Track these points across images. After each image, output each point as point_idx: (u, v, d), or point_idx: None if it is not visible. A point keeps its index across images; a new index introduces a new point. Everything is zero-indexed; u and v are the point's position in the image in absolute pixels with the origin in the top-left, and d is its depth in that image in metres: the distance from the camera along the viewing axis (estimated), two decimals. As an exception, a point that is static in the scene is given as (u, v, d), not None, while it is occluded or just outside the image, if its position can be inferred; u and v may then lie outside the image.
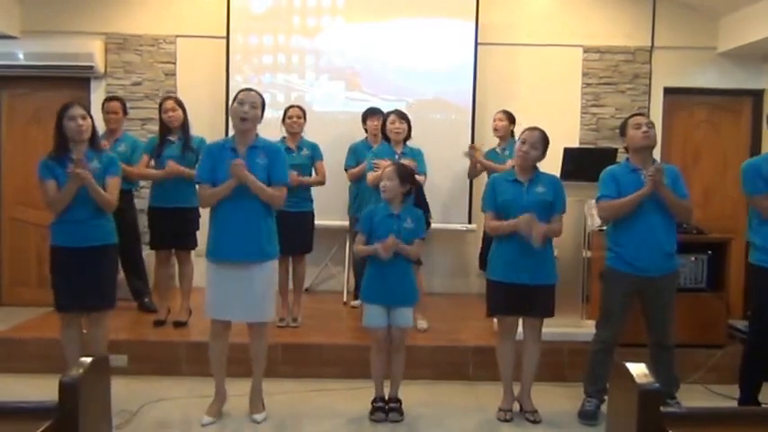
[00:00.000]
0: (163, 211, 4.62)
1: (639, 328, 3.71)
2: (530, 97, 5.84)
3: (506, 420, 3.69)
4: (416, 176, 4.48)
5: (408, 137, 4.71)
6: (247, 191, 3.43)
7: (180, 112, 4.61)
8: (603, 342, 3.67)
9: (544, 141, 3.68)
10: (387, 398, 3.73)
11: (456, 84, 5.78)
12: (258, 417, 3.62)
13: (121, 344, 4.23)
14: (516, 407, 3.77)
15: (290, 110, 4.82)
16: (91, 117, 3.55)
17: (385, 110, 5.07)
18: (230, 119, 3.56)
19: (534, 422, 3.66)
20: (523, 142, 3.67)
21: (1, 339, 4.39)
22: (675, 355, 3.73)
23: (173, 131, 4.63)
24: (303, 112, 4.84)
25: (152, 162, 4.68)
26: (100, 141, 3.70)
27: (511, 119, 5.23)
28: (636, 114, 3.91)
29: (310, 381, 4.17)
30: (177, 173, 4.50)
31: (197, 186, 3.61)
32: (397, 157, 4.53)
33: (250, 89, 3.59)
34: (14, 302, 5.84)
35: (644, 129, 3.58)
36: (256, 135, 3.57)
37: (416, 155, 4.66)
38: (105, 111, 5.03)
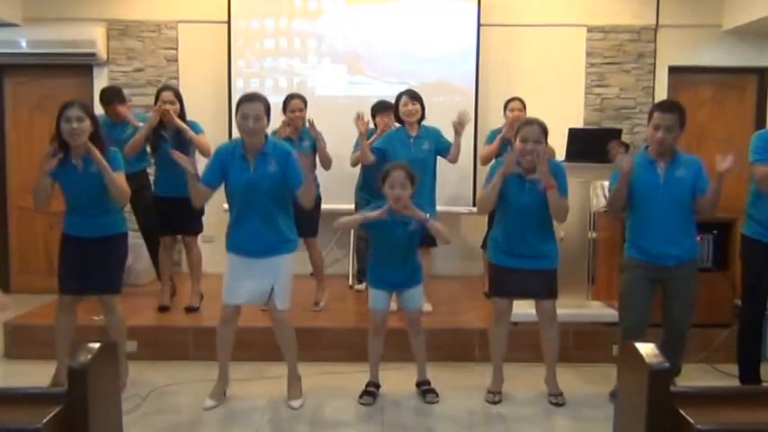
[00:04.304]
0: (169, 201, 4.52)
1: (653, 308, 3.63)
2: (533, 78, 5.81)
3: (494, 402, 3.69)
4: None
5: (422, 117, 4.60)
6: (258, 189, 3.39)
7: (177, 105, 4.43)
8: (626, 334, 3.50)
9: (545, 132, 3.44)
10: (416, 382, 3.78)
11: (459, 66, 5.75)
12: (295, 403, 3.59)
13: (131, 329, 4.22)
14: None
15: (292, 102, 4.59)
16: (92, 116, 3.45)
17: (387, 95, 5.01)
18: (237, 130, 3.45)
19: (557, 405, 3.65)
20: (525, 141, 3.40)
21: (11, 326, 4.42)
22: (684, 349, 3.65)
23: (167, 125, 4.44)
24: (304, 103, 4.64)
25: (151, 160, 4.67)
26: (104, 138, 3.54)
27: (524, 107, 5.07)
28: (657, 109, 3.44)
29: (318, 364, 4.18)
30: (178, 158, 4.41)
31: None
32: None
33: (252, 97, 3.39)
34: (22, 290, 5.87)
35: (659, 134, 3.36)
36: (265, 138, 3.44)
37: (433, 134, 4.59)
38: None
